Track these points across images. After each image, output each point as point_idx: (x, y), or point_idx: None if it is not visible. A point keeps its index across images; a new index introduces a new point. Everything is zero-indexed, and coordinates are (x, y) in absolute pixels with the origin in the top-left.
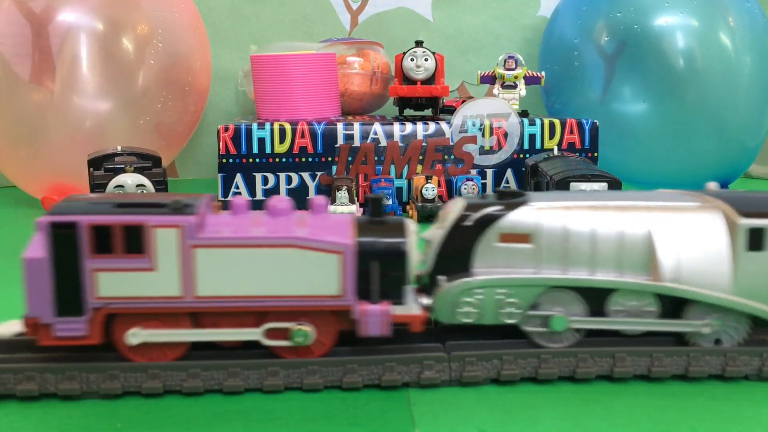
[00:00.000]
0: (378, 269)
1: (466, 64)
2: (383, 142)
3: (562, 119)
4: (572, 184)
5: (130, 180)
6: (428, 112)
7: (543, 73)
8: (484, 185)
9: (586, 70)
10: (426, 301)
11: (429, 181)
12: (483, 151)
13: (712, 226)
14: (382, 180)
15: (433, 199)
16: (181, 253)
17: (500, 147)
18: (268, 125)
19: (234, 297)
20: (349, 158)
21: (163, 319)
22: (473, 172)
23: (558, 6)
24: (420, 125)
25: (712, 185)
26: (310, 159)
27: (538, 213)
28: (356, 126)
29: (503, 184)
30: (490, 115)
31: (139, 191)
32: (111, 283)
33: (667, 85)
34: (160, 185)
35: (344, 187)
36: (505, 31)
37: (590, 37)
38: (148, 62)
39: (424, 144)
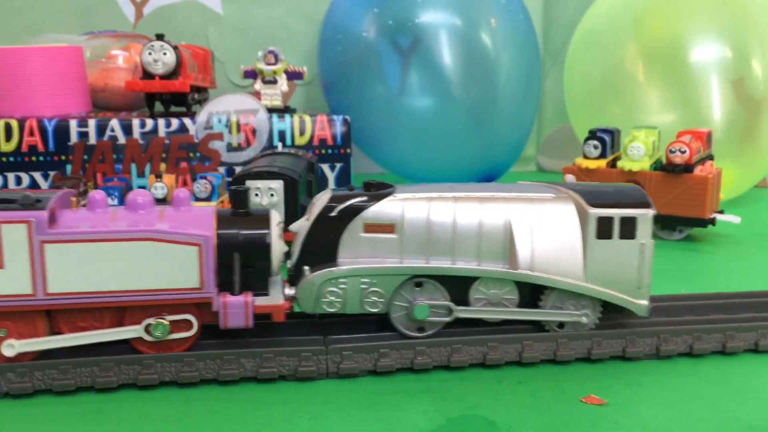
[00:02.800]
0: (240, 261)
1: None
2: (121, 140)
3: (314, 115)
4: (247, 182)
5: None
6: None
7: (305, 68)
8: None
9: (363, 66)
10: (290, 291)
11: (159, 179)
12: (231, 148)
13: (565, 216)
14: (115, 179)
15: (164, 198)
16: (30, 249)
17: (249, 144)
18: None
19: (88, 293)
20: (85, 156)
21: (14, 318)
22: (221, 170)
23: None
24: (161, 122)
25: (570, 177)
26: (41, 158)
27: (402, 204)
28: (91, 123)
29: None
30: (237, 111)
31: None
32: None
33: (440, 83)
34: None
35: (65, 188)
36: (299, 25)
37: (359, 33)
38: None
39: (166, 141)
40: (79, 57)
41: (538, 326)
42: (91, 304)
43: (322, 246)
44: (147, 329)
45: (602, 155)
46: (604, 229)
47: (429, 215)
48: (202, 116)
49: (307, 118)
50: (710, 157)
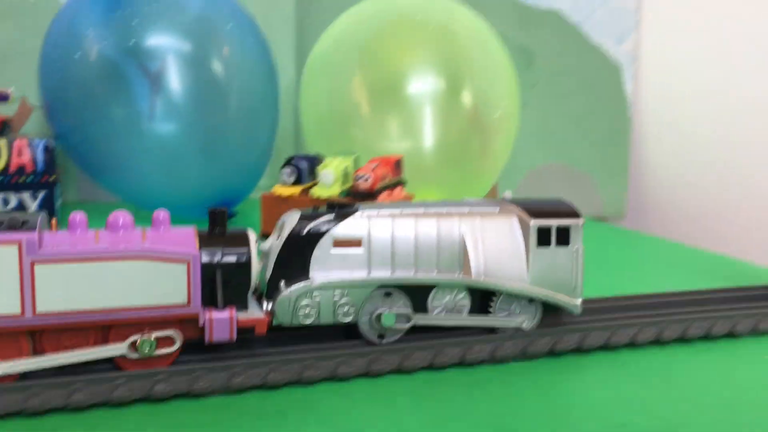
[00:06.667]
0: (222, 277)
1: None
2: None
3: (11, 140)
4: None
5: None
6: None
7: (11, 90)
8: None
9: (86, 89)
10: (268, 305)
11: None
12: None
13: (510, 227)
14: None
15: None
16: (21, 269)
17: None
18: None
19: (78, 311)
20: None
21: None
22: None
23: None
24: None
25: (508, 194)
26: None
27: (368, 221)
28: None
29: None
30: None
31: None
32: None
33: (173, 110)
34: None
35: None
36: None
37: (82, 54)
38: None
39: None
40: None
41: (490, 330)
42: (80, 323)
43: (294, 262)
44: (133, 346)
45: (298, 182)
46: (543, 237)
47: (393, 231)
48: None
49: (2, 143)
50: (400, 183)
